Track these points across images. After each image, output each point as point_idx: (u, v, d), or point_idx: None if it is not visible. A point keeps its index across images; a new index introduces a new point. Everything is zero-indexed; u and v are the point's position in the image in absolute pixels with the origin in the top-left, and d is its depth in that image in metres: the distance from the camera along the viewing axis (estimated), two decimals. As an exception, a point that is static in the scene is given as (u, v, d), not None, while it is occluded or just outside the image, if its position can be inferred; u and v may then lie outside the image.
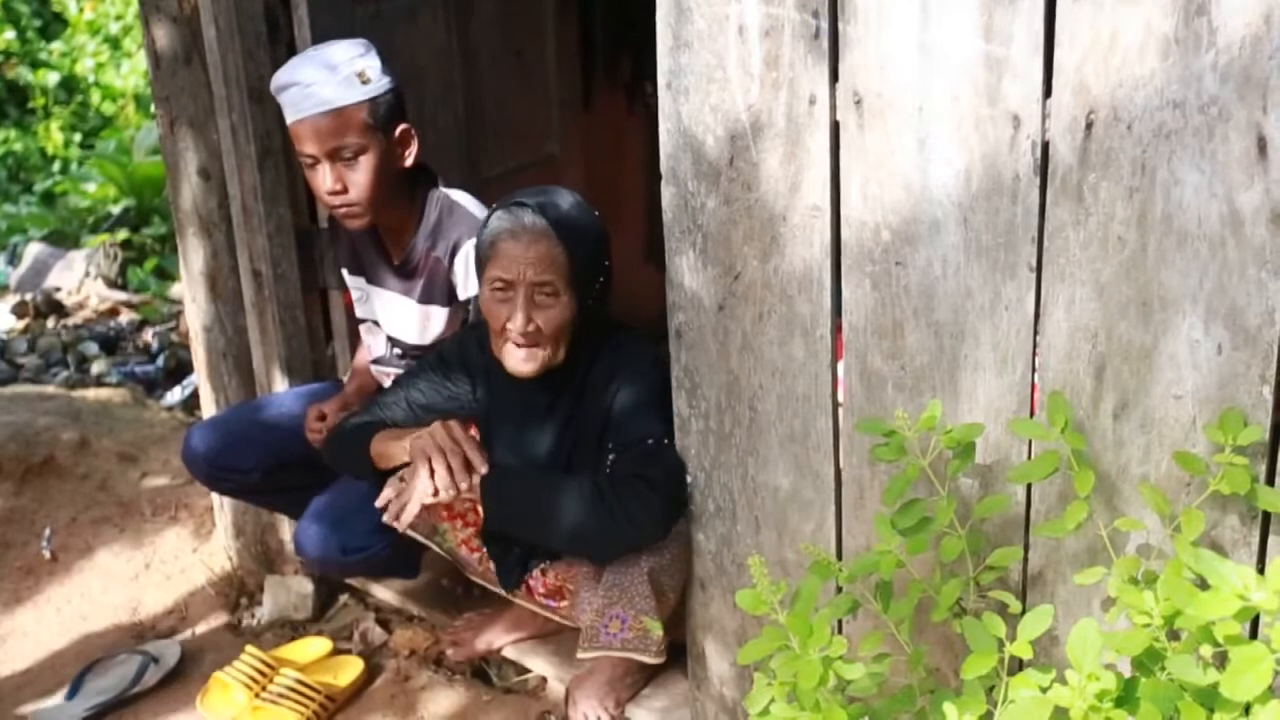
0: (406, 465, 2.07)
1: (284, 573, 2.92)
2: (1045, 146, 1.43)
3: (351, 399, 2.54)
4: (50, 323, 5.44)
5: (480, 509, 2.34)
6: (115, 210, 7.37)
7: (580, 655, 2.08)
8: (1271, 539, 1.39)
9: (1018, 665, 1.37)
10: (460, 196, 2.43)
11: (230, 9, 2.49)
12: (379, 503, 2.05)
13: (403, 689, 2.52)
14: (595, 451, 2.09)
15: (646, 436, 2.00)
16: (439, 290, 2.40)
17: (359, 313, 2.60)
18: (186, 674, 2.64)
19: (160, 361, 4.77)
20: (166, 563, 3.06)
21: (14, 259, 6.60)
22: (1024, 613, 1.34)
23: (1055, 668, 1.29)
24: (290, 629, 2.81)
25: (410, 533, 2.20)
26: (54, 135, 8.88)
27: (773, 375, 1.79)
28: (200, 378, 2.96)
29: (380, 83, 2.27)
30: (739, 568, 1.96)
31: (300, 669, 2.50)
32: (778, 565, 1.89)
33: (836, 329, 1.71)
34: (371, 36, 2.46)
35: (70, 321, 5.49)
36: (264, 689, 2.46)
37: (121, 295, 5.84)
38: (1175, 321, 1.38)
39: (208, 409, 2.95)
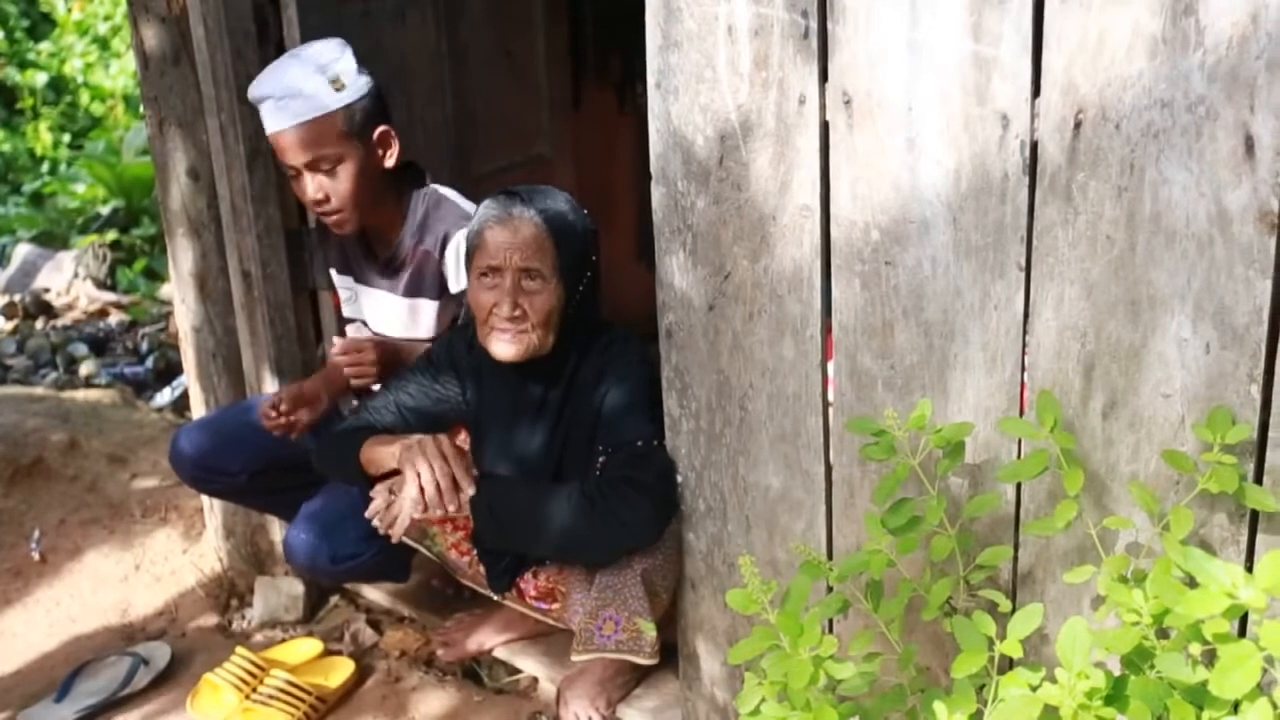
0: (396, 473, 2.06)
1: (274, 574, 2.91)
2: (1034, 146, 1.43)
3: (311, 390, 2.49)
4: (39, 324, 5.43)
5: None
6: (104, 211, 7.35)
7: (574, 658, 2.08)
8: (1259, 537, 1.39)
9: (1008, 664, 1.37)
10: (448, 192, 2.43)
11: (219, 9, 2.49)
12: (369, 513, 2.05)
13: (393, 690, 2.52)
14: (586, 451, 2.09)
15: (636, 438, 2.00)
16: (427, 284, 2.40)
17: (346, 312, 2.59)
18: (177, 676, 2.64)
19: (149, 362, 4.76)
20: (156, 564, 3.05)
21: (3, 260, 6.58)
22: (1014, 611, 1.35)
23: (1045, 666, 1.29)
24: (281, 630, 2.80)
25: (401, 538, 2.19)
26: (42, 136, 8.85)
27: (763, 375, 1.79)
28: (190, 379, 2.96)
29: (356, 86, 2.26)
30: (730, 567, 1.96)
31: (291, 670, 2.49)
32: (768, 565, 1.89)
33: (826, 328, 1.71)
34: (360, 36, 2.45)
35: (59, 322, 5.48)
36: (254, 690, 2.45)
37: (111, 296, 5.83)
38: (1164, 320, 1.38)
39: (197, 410, 2.94)
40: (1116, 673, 1.29)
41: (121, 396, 4.08)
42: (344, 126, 2.24)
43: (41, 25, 9.69)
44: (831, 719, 1.35)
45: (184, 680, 2.61)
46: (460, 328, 2.32)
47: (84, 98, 9.30)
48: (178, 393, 4.28)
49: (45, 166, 8.67)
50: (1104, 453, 1.48)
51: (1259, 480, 1.37)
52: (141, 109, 2.91)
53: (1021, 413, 1.54)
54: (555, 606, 2.28)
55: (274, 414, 2.41)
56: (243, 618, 2.87)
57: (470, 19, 3.25)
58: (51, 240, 7.04)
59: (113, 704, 2.53)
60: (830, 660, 1.39)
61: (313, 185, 2.27)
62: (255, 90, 2.26)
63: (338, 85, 2.24)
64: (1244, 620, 1.37)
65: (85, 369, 4.75)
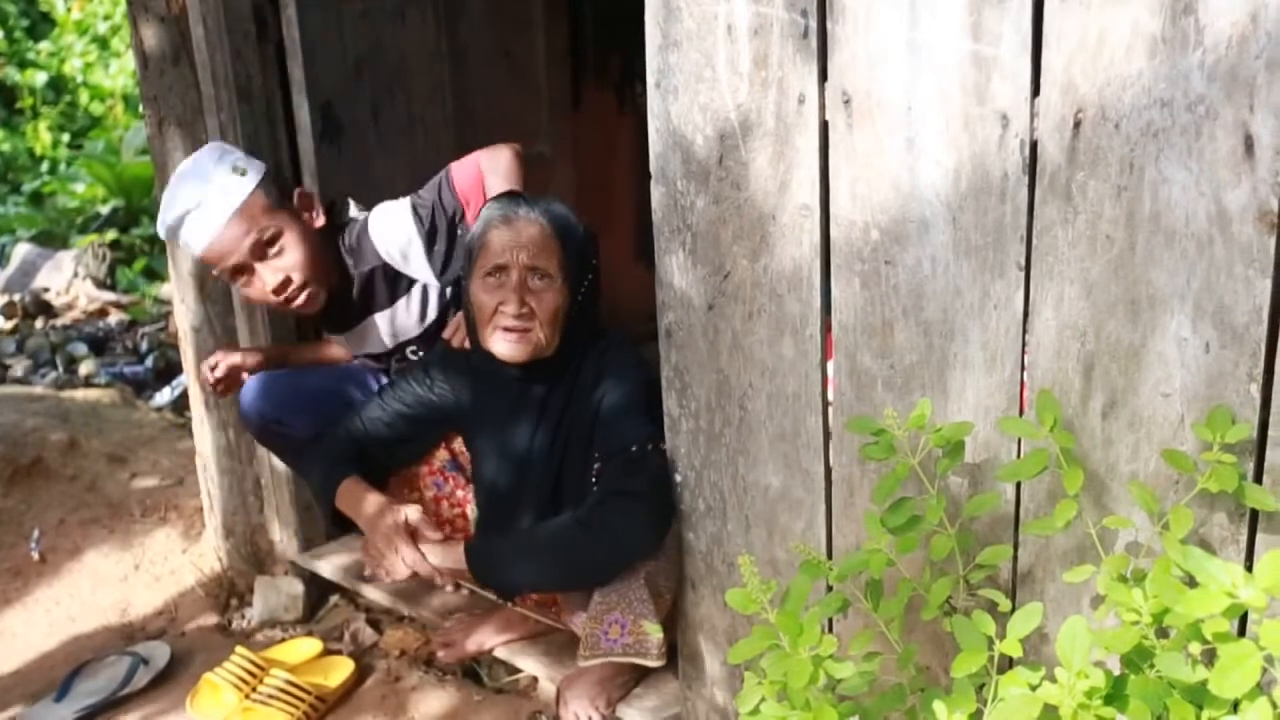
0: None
1: (274, 573, 2.92)
2: (1034, 145, 1.43)
3: (276, 351, 2.58)
4: (39, 323, 5.43)
5: (469, 517, 2.35)
6: (104, 210, 7.35)
7: (581, 664, 2.07)
8: (1259, 536, 1.39)
9: (1007, 663, 1.37)
10: (355, 212, 2.44)
11: (218, 9, 2.49)
12: (367, 574, 2.14)
13: (393, 689, 2.52)
14: (584, 455, 2.09)
15: (630, 443, 1.99)
16: (397, 285, 2.41)
17: (354, 354, 2.59)
18: (176, 675, 2.64)
19: (149, 362, 4.77)
20: (156, 564, 3.05)
21: (2, 259, 6.58)
22: (1013, 611, 1.35)
23: (1045, 665, 1.29)
24: (280, 630, 2.80)
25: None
26: (42, 135, 8.86)
27: (762, 374, 1.79)
28: (189, 378, 2.96)
29: (255, 166, 2.27)
30: (729, 567, 1.96)
31: (290, 670, 2.49)
32: (768, 564, 1.89)
33: (826, 328, 1.71)
34: (360, 36, 2.46)
35: (59, 322, 5.48)
36: (254, 690, 2.45)
37: (110, 296, 5.83)
38: (1163, 320, 1.38)
39: (197, 410, 2.94)
40: (1116, 672, 1.29)
41: (121, 396, 4.08)
42: (267, 201, 2.24)
43: (41, 25, 9.69)
44: (831, 718, 1.35)
45: (184, 680, 2.61)
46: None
47: (83, 97, 9.30)
48: (177, 392, 4.29)
49: (45, 166, 8.68)
50: (1104, 452, 1.48)
51: (1259, 479, 1.37)
52: (141, 108, 2.90)
53: (1021, 412, 1.54)
54: (556, 608, 2.29)
55: (209, 374, 2.50)
56: (242, 617, 2.87)
57: (470, 19, 3.26)
58: (51, 240, 7.04)
59: (112, 704, 2.53)
60: (830, 660, 1.39)
61: (269, 274, 2.25)
62: (168, 216, 2.24)
63: (241, 171, 2.24)
64: (1244, 619, 1.37)
65: (85, 368, 4.76)
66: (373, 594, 2.75)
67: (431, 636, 2.61)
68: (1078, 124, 1.38)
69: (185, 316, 2.86)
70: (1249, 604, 1.15)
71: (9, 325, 5.37)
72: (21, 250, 6.40)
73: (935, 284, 1.55)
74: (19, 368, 4.79)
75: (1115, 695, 1.25)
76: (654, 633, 1.98)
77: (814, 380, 1.74)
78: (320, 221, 2.35)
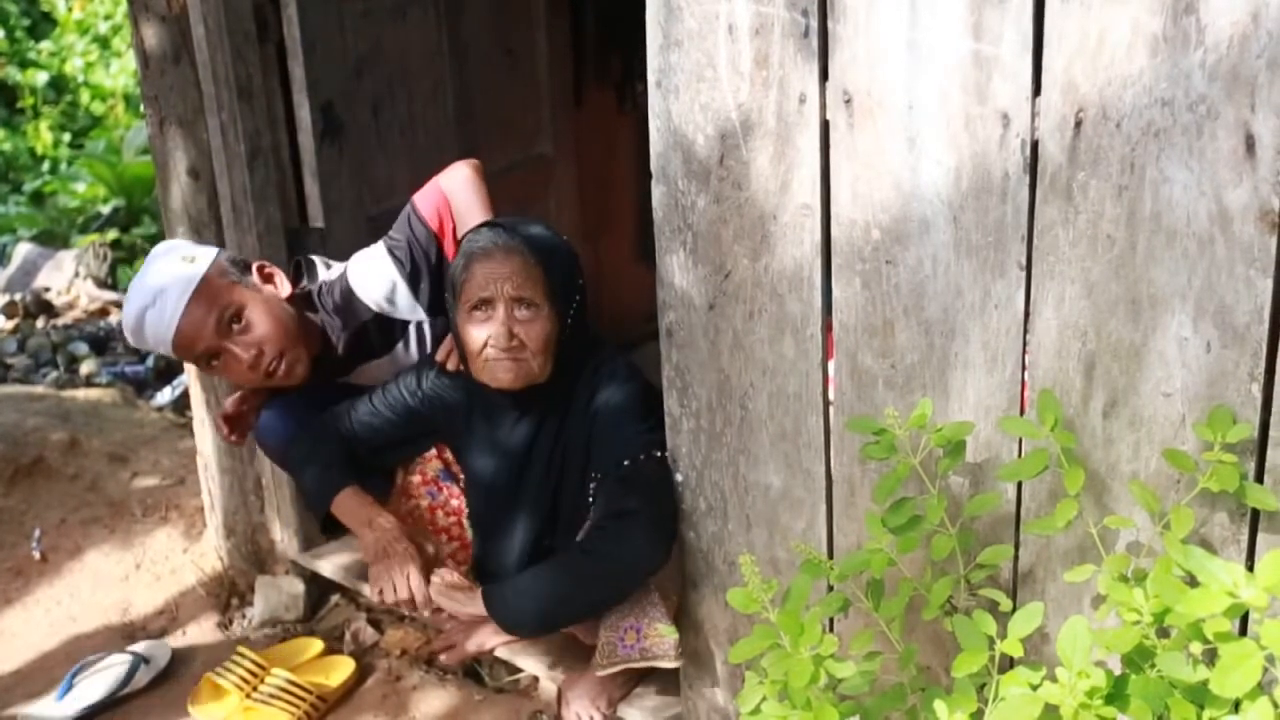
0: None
1: (275, 573, 2.92)
2: (1034, 145, 1.43)
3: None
4: (40, 323, 5.43)
5: (465, 525, 2.34)
6: (105, 210, 7.35)
7: (599, 674, 2.06)
8: (1260, 536, 1.39)
9: (1008, 663, 1.37)
10: (322, 270, 2.42)
11: (219, 8, 2.49)
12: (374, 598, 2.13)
13: (394, 689, 2.52)
14: (580, 474, 2.08)
15: (622, 458, 1.98)
16: (392, 330, 2.39)
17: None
18: (177, 675, 2.64)
19: (150, 362, 4.76)
20: (157, 563, 3.05)
21: (3, 259, 6.59)
22: (1014, 610, 1.35)
23: (1046, 665, 1.29)
24: (281, 629, 2.80)
25: None
26: (43, 135, 8.86)
27: (763, 374, 1.79)
28: (190, 378, 2.96)
29: (205, 253, 2.24)
30: (730, 566, 1.96)
31: (291, 669, 2.49)
32: (769, 564, 1.89)
33: (827, 327, 1.71)
34: (361, 35, 2.45)
35: (60, 322, 5.48)
36: (255, 689, 2.46)
37: (111, 295, 5.83)
38: (1164, 319, 1.38)
39: (197, 409, 2.94)
40: (1117, 672, 1.29)
41: (122, 396, 4.08)
42: (224, 280, 2.21)
43: (42, 24, 9.69)
44: (832, 718, 1.35)
45: (184, 679, 2.61)
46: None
47: (84, 97, 9.30)
48: (178, 392, 4.29)
49: (46, 165, 8.68)
50: (1104, 452, 1.48)
51: (1260, 479, 1.37)
52: (142, 108, 2.90)
53: (1022, 412, 1.54)
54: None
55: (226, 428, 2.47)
56: (243, 617, 2.87)
57: (471, 17, 3.25)
58: (52, 239, 7.04)
59: (113, 703, 2.53)
60: (831, 659, 1.39)
61: (241, 350, 2.21)
62: (129, 320, 2.20)
63: (190, 259, 2.22)
64: (1245, 619, 1.37)
65: (86, 368, 4.76)
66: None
67: (432, 637, 2.61)
68: (1079, 123, 1.38)
69: (186, 316, 2.86)
70: (1250, 604, 1.15)
71: (10, 325, 5.37)
72: (22, 250, 6.40)
73: (936, 283, 1.55)
74: (20, 367, 4.79)
75: (1116, 695, 1.25)
76: (669, 634, 1.97)
77: (815, 380, 1.74)
78: (286, 290, 2.31)
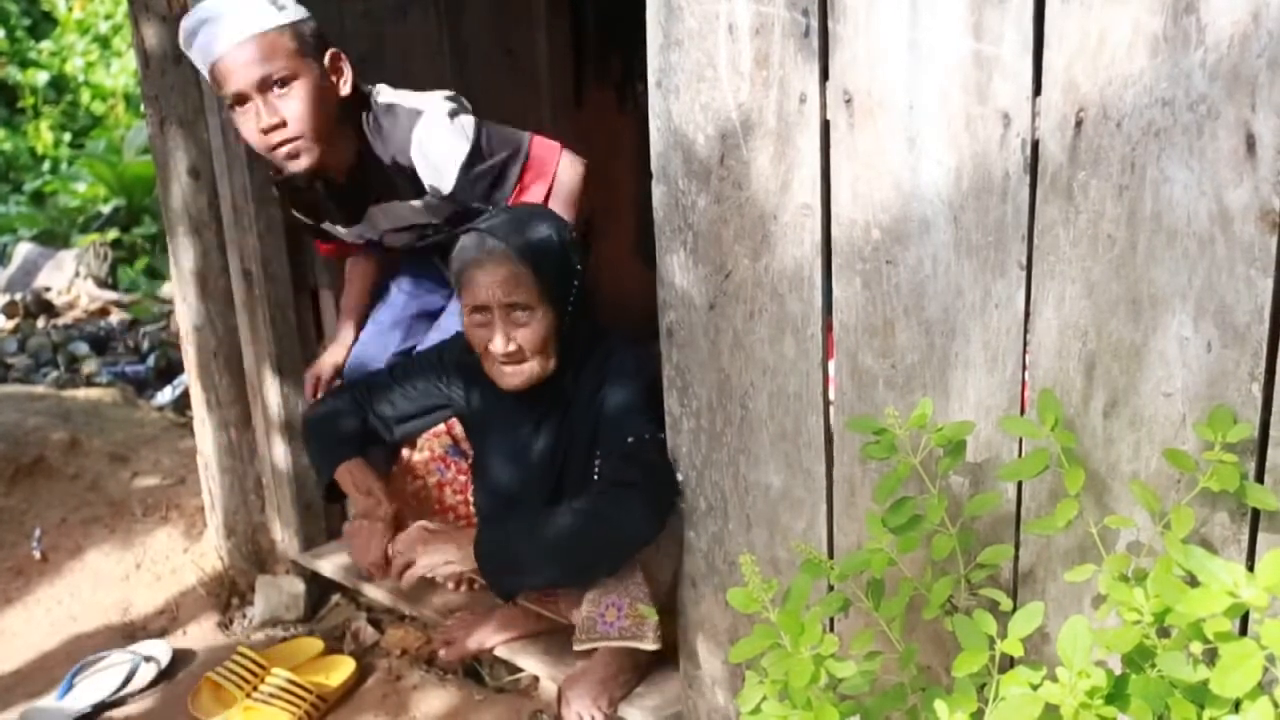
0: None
1: (275, 573, 2.92)
2: (1035, 145, 1.43)
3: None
4: (40, 322, 5.44)
5: (470, 502, 2.36)
6: (105, 210, 7.36)
7: (577, 648, 2.08)
8: (1261, 536, 1.39)
9: (1009, 663, 1.37)
10: (389, 95, 2.32)
11: (219, 8, 2.48)
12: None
13: (394, 689, 2.52)
14: (586, 459, 2.10)
15: (628, 436, 2.01)
16: (403, 182, 2.33)
17: (349, 237, 2.50)
18: (177, 674, 2.64)
19: (151, 361, 4.77)
20: (157, 563, 3.05)
21: (4, 259, 6.59)
22: (1015, 610, 1.35)
23: (1046, 665, 1.29)
24: (282, 629, 2.80)
25: None
26: (43, 135, 8.87)
27: (764, 374, 1.79)
28: (191, 378, 2.96)
29: (297, 8, 2.15)
30: (730, 566, 1.96)
31: (292, 669, 2.49)
32: (769, 563, 1.89)
33: (827, 327, 1.71)
34: (361, 34, 2.45)
35: (60, 321, 5.49)
36: (255, 689, 2.46)
37: (112, 295, 5.84)
38: (1165, 319, 1.38)
39: (198, 409, 2.95)
40: (1117, 671, 1.29)
41: (122, 395, 4.09)
42: (293, 44, 2.11)
43: (43, 24, 9.70)
44: (832, 718, 1.35)
45: (185, 679, 2.61)
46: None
47: (85, 96, 9.31)
48: (179, 391, 4.29)
49: (46, 165, 8.68)
50: (1105, 451, 1.48)
51: (1260, 479, 1.37)
52: (142, 108, 2.90)
53: (1022, 411, 1.54)
54: (555, 598, 2.30)
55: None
56: (244, 616, 2.87)
57: (472, 17, 3.25)
58: (52, 239, 7.05)
59: (113, 703, 2.53)
60: (831, 659, 1.39)
61: (268, 113, 2.11)
62: (188, 24, 2.11)
63: (280, 6, 2.13)
64: (1245, 619, 1.37)
65: (86, 368, 4.76)
66: (374, 593, 2.75)
67: (432, 635, 2.61)
68: (1079, 123, 1.38)
69: (187, 315, 2.87)
70: (1250, 603, 1.15)
71: (10, 324, 5.38)
72: (23, 249, 6.41)
73: (936, 283, 1.55)
74: (20, 367, 4.80)
75: (1117, 695, 1.25)
76: (650, 616, 2.00)
77: (815, 380, 1.74)
78: (346, 90, 2.22)
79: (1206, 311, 1.34)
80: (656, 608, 2.01)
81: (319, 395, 2.57)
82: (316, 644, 2.65)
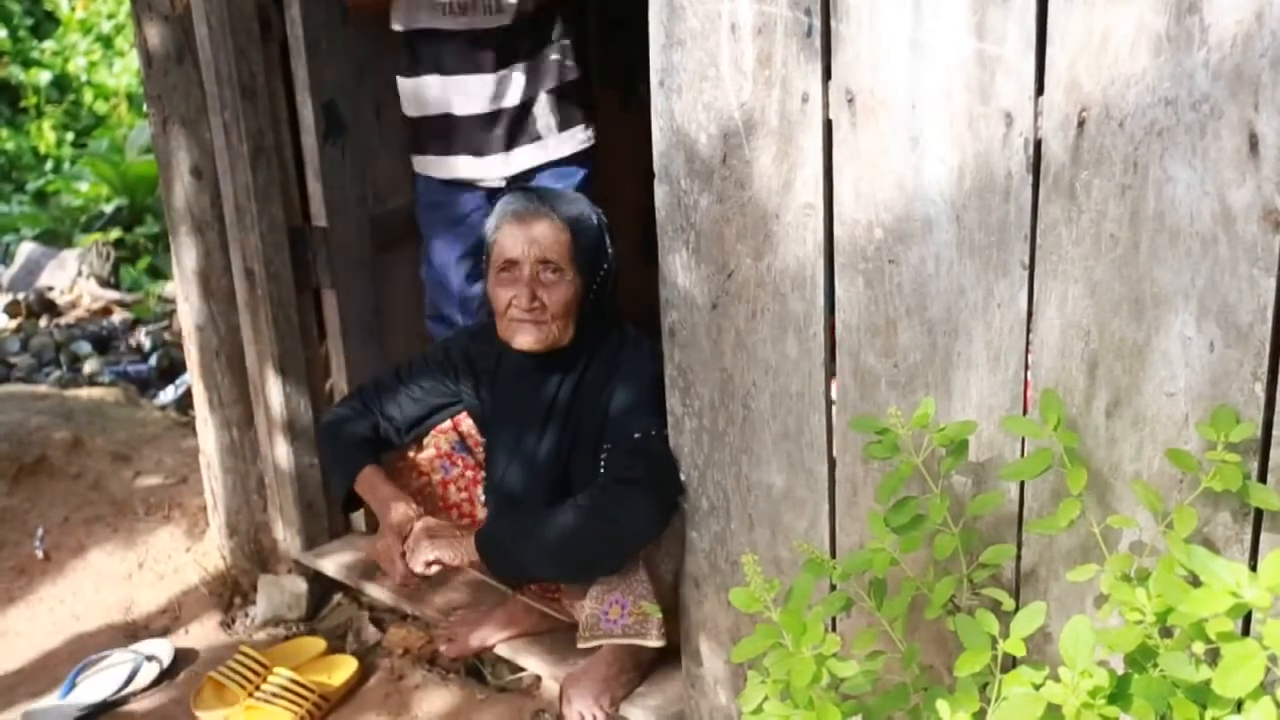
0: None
1: (277, 572, 2.92)
2: (1038, 144, 1.43)
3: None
4: (43, 322, 5.44)
5: (476, 501, 2.37)
6: (108, 209, 7.36)
7: (581, 645, 2.08)
8: (1263, 535, 1.39)
9: (1011, 662, 1.37)
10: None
11: (222, 8, 2.49)
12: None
13: (396, 688, 2.52)
14: (593, 449, 2.10)
15: (634, 432, 2.02)
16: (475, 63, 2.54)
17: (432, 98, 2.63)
18: (179, 674, 2.64)
19: (153, 361, 4.77)
20: (160, 562, 3.05)
21: (6, 258, 6.60)
22: (1017, 610, 1.35)
23: (1048, 665, 1.29)
24: (284, 628, 2.80)
25: None
26: (46, 134, 8.87)
27: (766, 373, 1.79)
28: (193, 377, 2.96)
29: None
30: (733, 565, 1.96)
31: (294, 668, 2.49)
32: (771, 563, 1.89)
33: (830, 327, 1.71)
34: (363, 35, 2.44)
35: (63, 321, 5.49)
36: (257, 688, 2.46)
37: (114, 294, 5.84)
38: (1167, 319, 1.38)
39: (200, 408, 2.95)
40: (1120, 671, 1.29)
41: (125, 395, 4.09)
42: None
43: (45, 23, 9.70)
44: (834, 717, 1.35)
45: (187, 678, 2.61)
46: (478, 328, 2.35)
47: (88, 96, 9.32)
48: (181, 391, 4.29)
49: (49, 165, 8.69)
50: (1107, 451, 1.48)
51: (1263, 479, 1.36)
52: (145, 107, 2.90)
53: (1025, 411, 1.54)
54: (556, 594, 2.31)
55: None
56: (246, 616, 2.87)
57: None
58: (55, 239, 7.05)
59: (116, 702, 2.53)
60: (833, 659, 1.39)
61: None
62: None
63: None
64: (1248, 619, 1.36)
65: (89, 367, 4.76)
66: (376, 592, 2.75)
67: (434, 634, 2.61)
68: (1082, 123, 1.38)
69: (189, 315, 2.87)
70: (1253, 603, 1.15)
71: (13, 324, 5.38)
72: (26, 249, 6.41)
73: (939, 283, 1.55)
74: (23, 366, 4.80)
75: (1119, 694, 1.25)
76: (654, 613, 2.00)
77: (817, 379, 1.74)
78: None
79: (1209, 311, 1.34)
80: (660, 604, 2.02)
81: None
82: (319, 643, 2.65)
